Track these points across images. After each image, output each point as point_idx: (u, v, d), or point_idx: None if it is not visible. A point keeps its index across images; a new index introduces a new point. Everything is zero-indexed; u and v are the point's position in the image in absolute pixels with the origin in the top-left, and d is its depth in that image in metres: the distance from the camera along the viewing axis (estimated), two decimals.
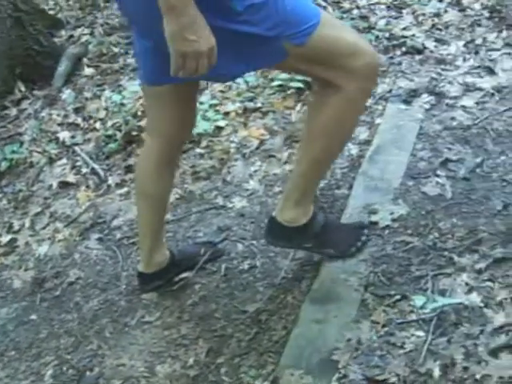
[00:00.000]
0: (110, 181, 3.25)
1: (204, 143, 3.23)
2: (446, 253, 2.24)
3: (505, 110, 2.94)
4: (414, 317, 2.06)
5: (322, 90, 2.03)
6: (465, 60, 3.35)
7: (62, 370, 2.43)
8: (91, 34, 4.40)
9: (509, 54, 3.32)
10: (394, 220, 2.41)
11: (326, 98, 2.01)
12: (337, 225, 2.44)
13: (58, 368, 2.44)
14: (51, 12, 4.87)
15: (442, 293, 2.10)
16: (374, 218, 2.43)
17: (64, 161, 3.48)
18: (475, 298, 2.05)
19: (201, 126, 3.19)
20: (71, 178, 3.34)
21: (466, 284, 2.11)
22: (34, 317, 2.70)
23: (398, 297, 2.14)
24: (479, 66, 3.28)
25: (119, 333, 2.49)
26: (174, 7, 1.58)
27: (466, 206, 2.44)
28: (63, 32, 4.46)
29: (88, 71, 4.05)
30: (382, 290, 2.17)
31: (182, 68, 1.68)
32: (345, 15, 3.87)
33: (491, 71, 3.22)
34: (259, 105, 3.36)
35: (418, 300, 2.08)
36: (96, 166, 3.34)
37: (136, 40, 2.08)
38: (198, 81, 2.16)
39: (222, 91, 3.49)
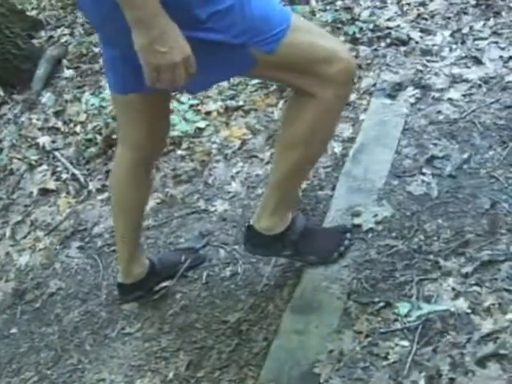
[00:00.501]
0: (91, 186, 3.17)
1: (185, 145, 3.15)
2: (431, 256, 2.16)
3: (492, 102, 2.85)
4: (398, 325, 1.98)
5: (297, 98, 1.93)
6: (451, 50, 3.25)
7: None
8: (71, 34, 4.31)
9: (496, 42, 3.23)
10: (377, 222, 2.33)
11: (301, 106, 1.91)
12: (317, 230, 2.36)
13: None
14: (34, 12, 4.80)
15: (428, 299, 2.02)
16: (357, 221, 2.35)
17: (44, 167, 3.40)
18: (462, 304, 1.97)
19: (181, 128, 3.11)
20: (51, 185, 3.27)
21: (453, 289, 2.03)
22: (14, 330, 2.63)
23: (381, 304, 2.06)
24: (466, 56, 3.18)
25: (99, 345, 2.43)
26: (141, 20, 1.50)
27: (452, 205, 2.35)
28: (43, 33, 4.37)
29: (68, 73, 3.97)
30: (366, 298, 2.10)
31: (158, 81, 1.60)
32: (328, 7, 3.77)
33: (478, 61, 3.13)
34: (241, 103, 3.28)
35: (403, 307, 2.00)
36: (76, 172, 3.27)
37: (103, 48, 2.00)
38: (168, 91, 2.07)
39: None
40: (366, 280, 2.15)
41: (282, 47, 1.75)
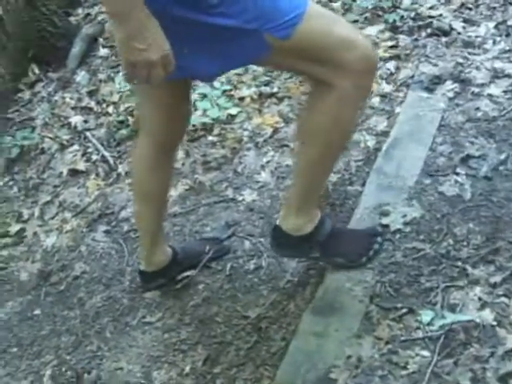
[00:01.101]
0: (120, 169, 3.15)
1: (216, 131, 3.11)
2: (459, 263, 2.09)
3: None
4: (420, 334, 1.92)
5: (314, 89, 1.87)
6: (495, 43, 3.14)
7: (60, 370, 2.36)
8: None
9: None
10: (406, 223, 2.26)
11: (318, 97, 1.85)
12: (346, 231, 2.29)
13: (57, 369, 2.37)
14: None
15: (452, 308, 1.96)
16: (385, 221, 2.28)
17: (75, 147, 3.39)
18: (488, 316, 1.90)
19: (212, 114, 3.06)
20: (81, 166, 3.26)
21: (479, 299, 1.96)
22: (37, 312, 2.64)
23: (404, 310, 2.00)
24: (510, 50, 3.07)
25: (120, 333, 2.41)
26: (118, 13, 1.45)
27: (485, 209, 2.27)
28: (80, 10, 4.33)
29: (103, 52, 3.93)
30: (388, 302, 2.04)
31: (133, 77, 1.57)
32: None
33: None
34: (275, 90, 3.22)
35: (426, 315, 1.94)
36: (106, 154, 3.25)
37: None
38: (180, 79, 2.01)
39: (238, 74, 3.35)
40: (390, 284, 2.09)
41: (297, 33, 1.69)
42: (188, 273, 2.47)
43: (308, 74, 1.88)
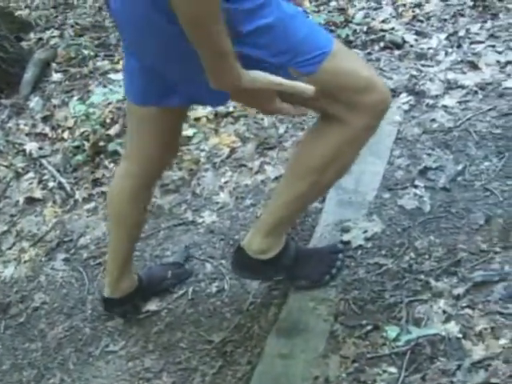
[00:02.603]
0: (78, 195, 3.10)
1: None
2: (422, 276, 2.08)
3: (489, 110, 2.76)
4: (386, 350, 1.90)
5: (325, 122, 1.83)
6: (447, 54, 3.17)
7: None
8: (61, 35, 4.23)
9: (493, 46, 3.14)
10: (367, 239, 2.25)
11: (327, 131, 1.81)
12: (308, 252, 2.26)
13: None
14: (26, 10, 4.72)
15: (417, 322, 1.94)
16: (346, 237, 2.27)
17: (31, 174, 3.33)
18: (453, 328, 1.88)
19: None
20: (38, 194, 3.20)
21: (444, 312, 1.95)
22: None
23: (369, 327, 1.98)
24: (462, 61, 3.10)
25: (83, 364, 2.36)
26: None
27: (445, 220, 2.27)
28: (32, 35, 4.29)
29: (56, 77, 3.89)
30: (353, 320, 2.02)
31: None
32: (322, 7, 3.68)
33: (474, 66, 3.04)
34: (231, 109, 3.20)
35: (391, 331, 1.92)
36: (63, 180, 3.20)
37: (125, 56, 1.92)
38: (187, 105, 1.99)
39: None
40: (354, 301, 2.07)
41: (322, 71, 1.66)
42: (153, 306, 2.43)
43: (323, 110, 1.82)
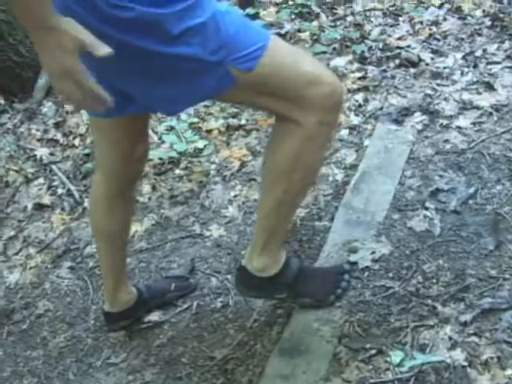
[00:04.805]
0: (86, 203, 3.08)
1: (183, 164, 3.06)
2: (429, 301, 2.05)
3: (503, 132, 2.74)
4: (389, 375, 1.86)
5: (279, 126, 1.81)
6: (462, 74, 3.14)
7: None
8: None
9: (510, 67, 3.12)
10: (374, 260, 2.22)
11: (283, 134, 1.78)
12: (313, 270, 2.24)
13: None
14: None
15: (423, 348, 1.91)
16: (353, 258, 2.24)
17: (41, 180, 3.32)
18: (458, 356, 1.85)
19: (178, 148, 3.02)
20: (46, 200, 3.19)
21: (449, 338, 1.91)
22: None
23: (373, 351, 1.94)
24: (477, 81, 3.07)
25: (83, 375, 2.34)
26: (29, 26, 1.38)
27: (454, 244, 2.24)
28: None
29: None
30: (357, 343, 1.98)
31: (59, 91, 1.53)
32: (338, 22, 3.66)
33: (490, 87, 3.02)
34: (243, 122, 3.18)
35: (396, 356, 1.88)
36: (72, 187, 3.18)
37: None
38: (145, 113, 1.94)
39: (206, 106, 3.31)
40: (359, 323, 2.03)
41: (261, 66, 1.64)
42: (155, 317, 2.41)
43: (272, 111, 1.82)
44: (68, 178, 3.27)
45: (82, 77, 1.44)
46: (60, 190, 3.22)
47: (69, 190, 3.19)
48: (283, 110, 1.74)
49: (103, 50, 1.42)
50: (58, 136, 3.55)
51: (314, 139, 1.77)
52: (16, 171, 3.40)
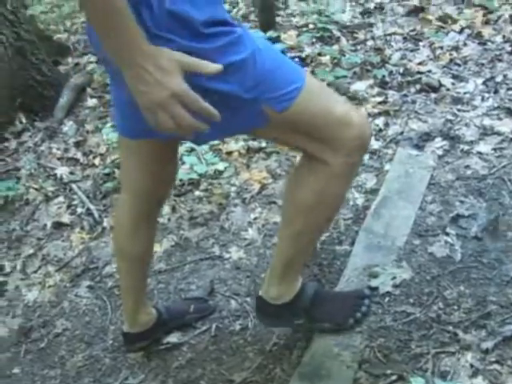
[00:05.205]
0: (105, 223, 3.10)
1: (203, 186, 3.07)
2: (450, 327, 2.04)
3: None
4: None
5: (306, 163, 1.81)
6: (483, 99, 3.14)
7: None
8: (97, 61, 4.26)
9: None
10: (395, 286, 2.21)
11: (309, 171, 1.79)
12: (332, 294, 2.23)
13: None
14: (65, 34, 4.78)
15: (443, 375, 1.90)
16: (374, 283, 2.23)
17: (60, 199, 3.34)
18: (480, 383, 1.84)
19: (198, 170, 3.03)
20: (66, 219, 3.20)
21: (471, 366, 1.90)
22: (16, 370, 2.55)
23: (394, 377, 1.93)
24: (498, 107, 3.07)
25: None
26: (121, 61, 1.38)
27: (475, 270, 2.23)
28: (69, 60, 4.33)
29: (91, 102, 3.92)
30: (378, 369, 1.97)
31: (156, 123, 1.44)
32: (359, 47, 3.67)
33: (511, 113, 3.00)
34: (263, 144, 3.19)
35: (416, 382, 1.87)
36: (92, 207, 3.20)
37: (111, 89, 1.90)
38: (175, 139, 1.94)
39: None
40: (380, 349, 2.03)
41: (295, 106, 1.64)
42: (174, 339, 2.41)
43: (301, 148, 1.80)
44: (88, 197, 3.29)
45: (193, 96, 1.40)
46: (79, 209, 3.24)
47: (88, 209, 3.21)
48: (312, 149, 1.74)
49: (212, 67, 1.43)
50: (79, 155, 3.57)
51: (339, 178, 1.78)
52: (36, 189, 3.42)
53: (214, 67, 1.43)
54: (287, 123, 1.66)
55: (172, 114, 1.40)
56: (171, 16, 1.44)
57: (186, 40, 1.46)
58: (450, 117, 3.07)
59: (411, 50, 3.62)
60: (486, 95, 3.18)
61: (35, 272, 3.00)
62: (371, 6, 4.37)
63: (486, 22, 3.83)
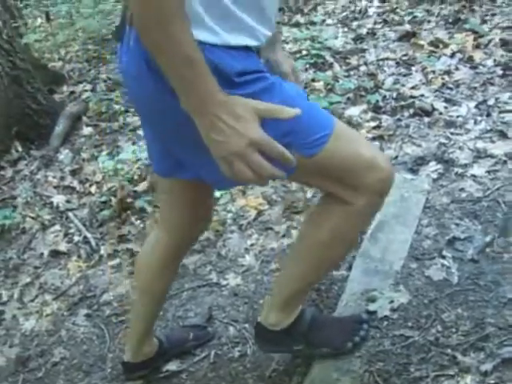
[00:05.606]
0: (102, 251, 3.11)
1: None
2: (448, 350, 2.04)
3: None
4: None
5: (328, 202, 1.80)
6: (476, 123, 3.17)
7: None
8: (93, 89, 4.29)
9: None
10: (393, 310, 2.22)
11: (330, 210, 1.79)
12: (330, 319, 2.23)
13: None
14: (59, 62, 4.81)
15: None
16: (371, 307, 2.24)
17: (57, 227, 3.35)
18: None
19: None
20: (63, 247, 3.21)
21: None
22: None
23: None
24: (491, 130, 3.10)
25: None
26: (194, 109, 1.34)
27: (472, 293, 2.24)
28: (65, 88, 4.36)
29: (87, 130, 3.94)
30: None
31: (232, 174, 1.36)
32: (352, 72, 3.71)
33: (504, 135, 3.04)
34: None
35: None
36: (89, 235, 3.21)
37: (142, 126, 1.91)
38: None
39: None
40: (379, 373, 2.02)
41: (323, 152, 1.63)
42: (173, 367, 2.41)
43: (325, 190, 1.81)
44: (84, 225, 3.30)
45: (272, 142, 1.36)
46: (76, 238, 3.25)
47: (85, 237, 3.22)
48: (337, 191, 1.74)
49: (288, 111, 1.40)
50: (75, 183, 3.59)
51: (359, 218, 1.79)
52: (33, 218, 3.43)
53: (291, 111, 1.40)
54: (314, 168, 1.65)
55: (250, 164, 1.34)
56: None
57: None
58: (443, 140, 3.09)
59: (404, 75, 3.66)
60: (479, 118, 3.21)
61: (32, 301, 3.00)
62: (363, 31, 4.43)
63: (477, 46, 3.88)
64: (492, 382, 1.91)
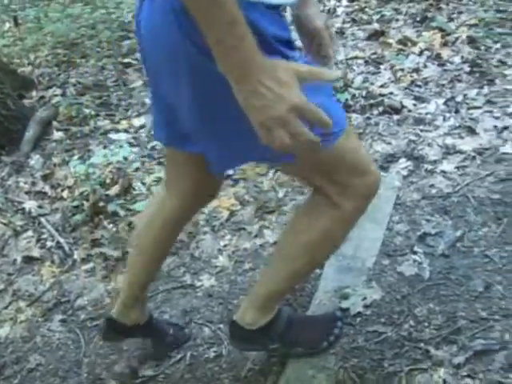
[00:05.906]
0: (76, 255, 3.09)
1: None
2: (421, 344, 2.07)
3: (487, 175, 2.79)
4: None
5: (316, 204, 1.80)
6: (445, 119, 3.21)
7: None
8: (63, 94, 4.27)
9: (490, 112, 3.18)
10: (366, 306, 2.24)
11: (317, 212, 1.79)
12: (305, 319, 2.25)
13: None
14: (29, 67, 4.78)
15: None
16: (345, 304, 2.26)
17: (30, 233, 3.32)
18: None
19: None
20: (36, 253, 3.18)
21: (444, 381, 1.93)
22: None
23: None
24: (460, 126, 3.14)
25: None
26: (235, 75, 1.27)
27: (444, 287, 2.27)
28: (34, 93, 4.33)
29: (57, 135, 3.91)
30: None
31: (272, 141, 1.31)
32: None
33: (472, 131, 3.08)
34: (230, 172, 3.21)
35: None
36: (62, 240, 3.19)
37: (150, 93, 1.85)
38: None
39: None
40: (353, 370, 2.05)
41: (333, 148, 1.62)
42: (149, 371, 2.40)
43: (317, 187, 1.79)
44: (57, 230, 3.28)
45: (313, 107, 1.30)
46: (49, 243, 3.23)
47: (58, 242, 3.20)
48: (328, 191, 1.74)
49: (331, 74, 1.35)
50: (46, 188, 3.56)
51: (346, 222, 1.80)
52: (4, 224, 3.40)
53: (333, 74, 1.36)
54: (317, 162, 1.64)
55: (291, 129, 1.29)
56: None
57: None
58: (413, 137, 3.12)
59: (373, 73, 3.69)
60: (448, 115, 3.24)
61: (6, 308, 2.97)
62: (332, 31, 4.44)
63: (445, 44, 3.92)
64: (465, 374, 1.95)
